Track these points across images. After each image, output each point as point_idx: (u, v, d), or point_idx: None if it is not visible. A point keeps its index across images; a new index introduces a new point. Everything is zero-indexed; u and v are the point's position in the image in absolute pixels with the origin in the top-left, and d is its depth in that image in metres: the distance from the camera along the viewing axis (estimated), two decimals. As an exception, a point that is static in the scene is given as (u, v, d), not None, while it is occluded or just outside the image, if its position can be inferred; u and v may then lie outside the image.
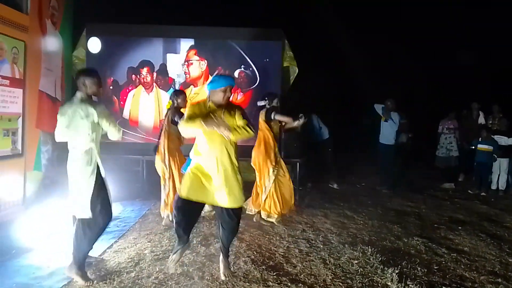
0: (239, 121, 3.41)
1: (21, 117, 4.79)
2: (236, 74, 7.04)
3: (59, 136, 3.50)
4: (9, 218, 4.44)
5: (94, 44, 6.42)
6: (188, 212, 3.39)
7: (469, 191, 7.58)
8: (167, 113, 4.99)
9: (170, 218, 4.79)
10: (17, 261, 3.75)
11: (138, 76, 7.27)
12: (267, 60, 7.11)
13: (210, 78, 3.53)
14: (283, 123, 5.23)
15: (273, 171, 5.02)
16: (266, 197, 5.06)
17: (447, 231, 5.10)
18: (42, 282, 3.35)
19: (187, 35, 7.16)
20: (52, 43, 5.61)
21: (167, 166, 4.89)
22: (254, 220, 5.16)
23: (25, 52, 4.80)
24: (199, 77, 7.18)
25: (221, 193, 3.35)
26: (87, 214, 3.32)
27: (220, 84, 3.39)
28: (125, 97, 7.25)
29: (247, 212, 5.17)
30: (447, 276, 3.70)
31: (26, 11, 4.92)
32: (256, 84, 7.09)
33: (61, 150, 5.84)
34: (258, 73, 7.02)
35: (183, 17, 7.08)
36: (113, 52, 7.03)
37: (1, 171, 4.40)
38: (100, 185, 3.37)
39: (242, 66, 7.09)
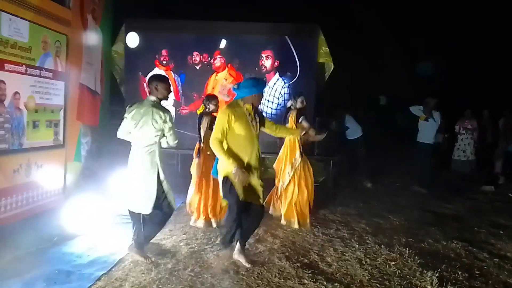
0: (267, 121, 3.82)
1: (63, 109, 4.94)
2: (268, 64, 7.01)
3: (122, 135, 3.68)
4: (50, 207, 4.60)
5: (133, 39, 6.53)
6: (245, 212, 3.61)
7: (510, 195, 7.27)
8: (201, 118, 4.83)
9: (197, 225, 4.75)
10: (59, 249, 3.86)
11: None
12: (301, 56, 7.03)
13: (248, 81, 3.61)
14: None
15: (291, 170, 4.95)
16: (288, 203, 4.93)
17: (488, 235, 4.90)
18: (82, 270, 3.44)
19: (224, 30, 7.15)
20: (92, 37, 5.75)
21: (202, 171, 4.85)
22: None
23: (67, 46, 4.94)
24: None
25: (259, 190, 3.62)
26: (147, 210, 3.52)
27: (263, 88, 3.64)
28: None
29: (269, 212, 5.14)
30: (490, 282, 3.55)
31: (69, 5, 5.05)
32: (295, 79, 7.03)
33: (100, 143, 6.02)
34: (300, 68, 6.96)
35: (221, 12, 7.09)
36: (151, 47, 7.13)
37: (44, 161, 4.55)
38: (159, 182, 3.55)
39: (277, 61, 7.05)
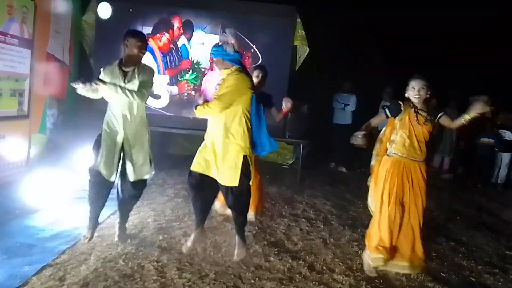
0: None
1: (28, 78, 4.75)
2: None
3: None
4: (12, 179, 4.46)
5: (104, 10, 6.27)
6: (201, 188, 3.28)
7: (468, 183, 7.61)
8: None
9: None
10: (21, 222, 3.76)
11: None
12: (276, 38, 6.96)
13: None
14: None
15: None
16: None
17: (445, 220, 5.14)
18: (45, 243, 3.37)
19: (196, 5, 6.97)
20: (62, 5, 5.54)
21: None
22: None
23: (34, 12, 4.72)
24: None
25: (218, 169, 3.21)
26: None
27: (212, 53, 3.31)
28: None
29: None
30: (445, 263, 3.75)
31: (37, -31, 4.81)
32: (259, 62, 6.93)
33: (66, 115, 5.85)
34: (259, 52, 6.89)
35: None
36: (124, 18, 6.87)
37: (7, 131, 4.39)
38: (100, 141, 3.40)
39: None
